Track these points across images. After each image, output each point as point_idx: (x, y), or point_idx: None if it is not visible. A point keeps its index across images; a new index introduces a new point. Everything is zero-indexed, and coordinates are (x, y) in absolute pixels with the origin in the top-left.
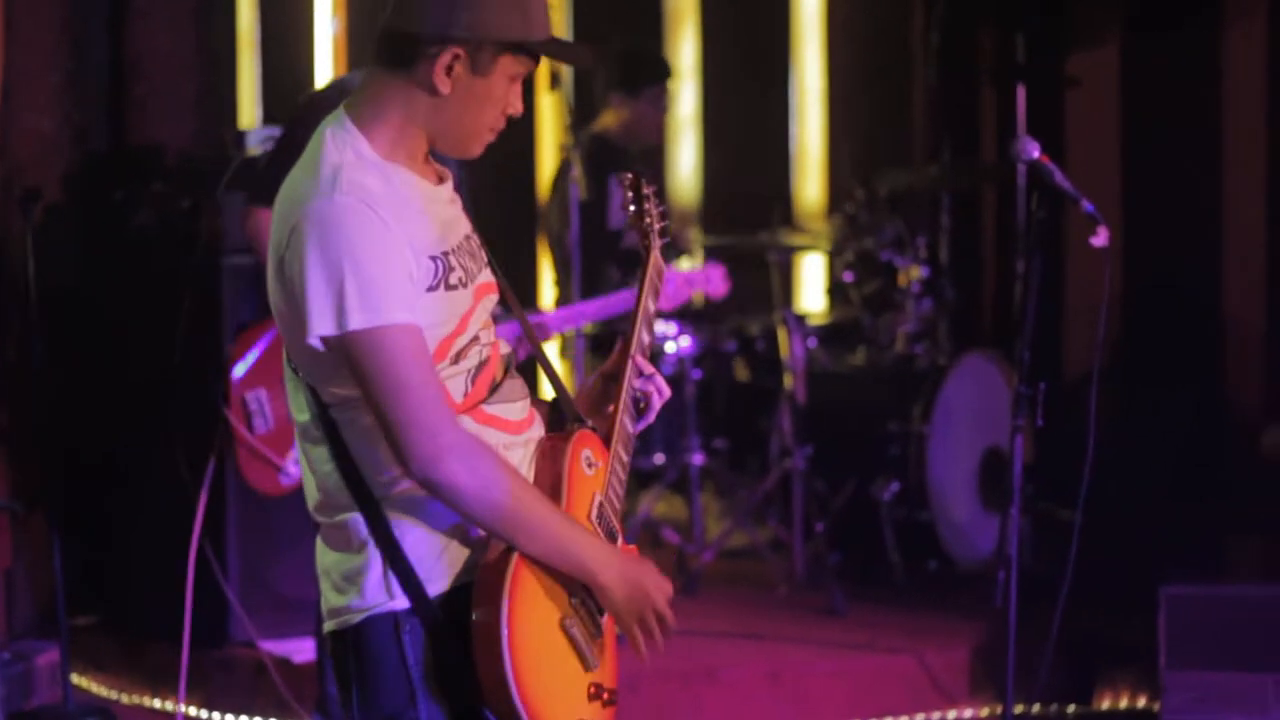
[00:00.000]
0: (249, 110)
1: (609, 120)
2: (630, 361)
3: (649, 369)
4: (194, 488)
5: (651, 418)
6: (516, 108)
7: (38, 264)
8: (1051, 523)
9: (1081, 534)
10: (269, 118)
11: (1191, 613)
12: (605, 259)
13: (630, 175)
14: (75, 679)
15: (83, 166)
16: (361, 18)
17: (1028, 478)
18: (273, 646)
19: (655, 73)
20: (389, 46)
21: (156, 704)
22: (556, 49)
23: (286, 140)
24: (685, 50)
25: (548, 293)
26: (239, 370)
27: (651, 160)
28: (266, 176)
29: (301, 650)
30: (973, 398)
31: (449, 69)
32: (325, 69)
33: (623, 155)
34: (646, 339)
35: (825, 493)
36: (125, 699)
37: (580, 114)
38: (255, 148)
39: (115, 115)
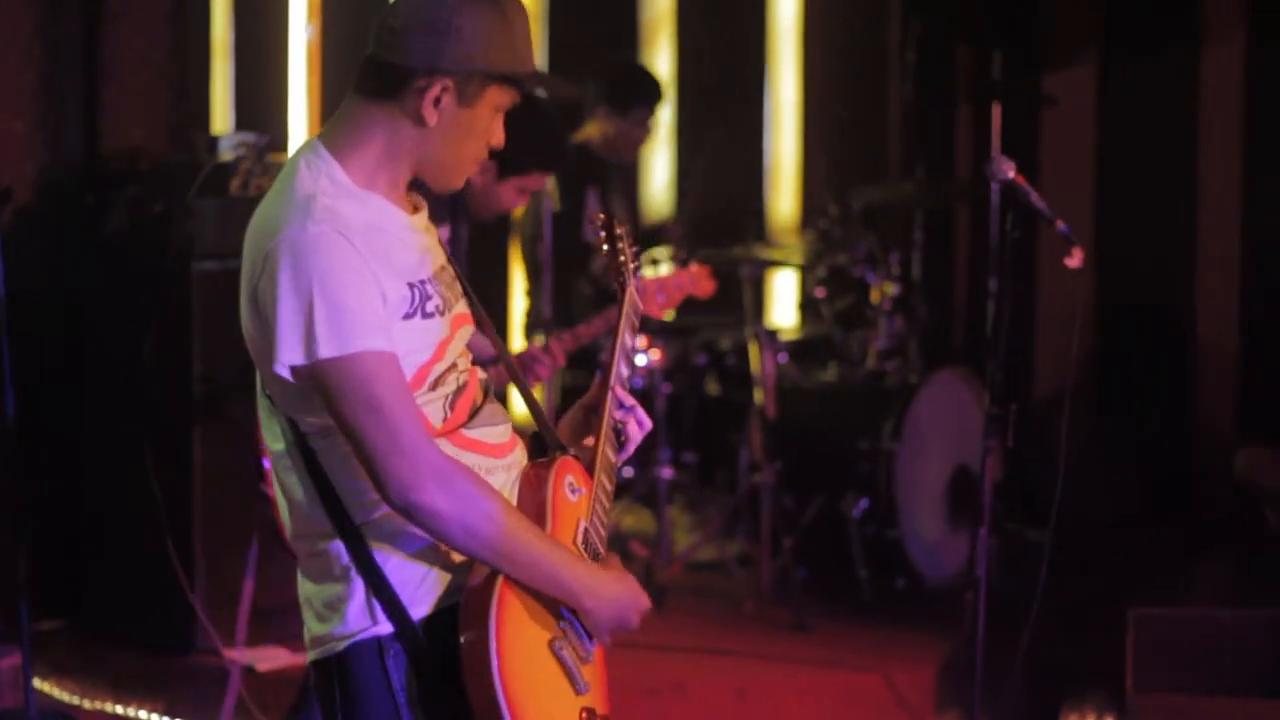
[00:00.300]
0: (222, 116)
1: (593, 131)
2: (610, 394)
3: (629, 401)
4: (163, 503)
5: (631, 449)
6: (499, 138)
7: (6, 266)
8: (1020, 542)
9: (1050, 554)
10: (242, 123)
11: (1159, 635)
12: (578, 270)
13: (603, 216)
14: (37, 684)
15: (55, 169)
16: (336, 25)
17: (996, 497)
18: (237, 655)
19: (648, 95)
20: (374, 77)
21: (119, 710)
22: (543, 82)
23: None
24: (661, 63)
25: (518, 302)
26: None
27: (627, 173)
28: None
29: (266, 658)
30: (943, 415)
31: (437, 101)
32: (299, 75)
33: (601, 167)
34: (626, 372)
35: (794, 508)
36: (87, 704)
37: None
38: (227, 153)
39: (88, 118)
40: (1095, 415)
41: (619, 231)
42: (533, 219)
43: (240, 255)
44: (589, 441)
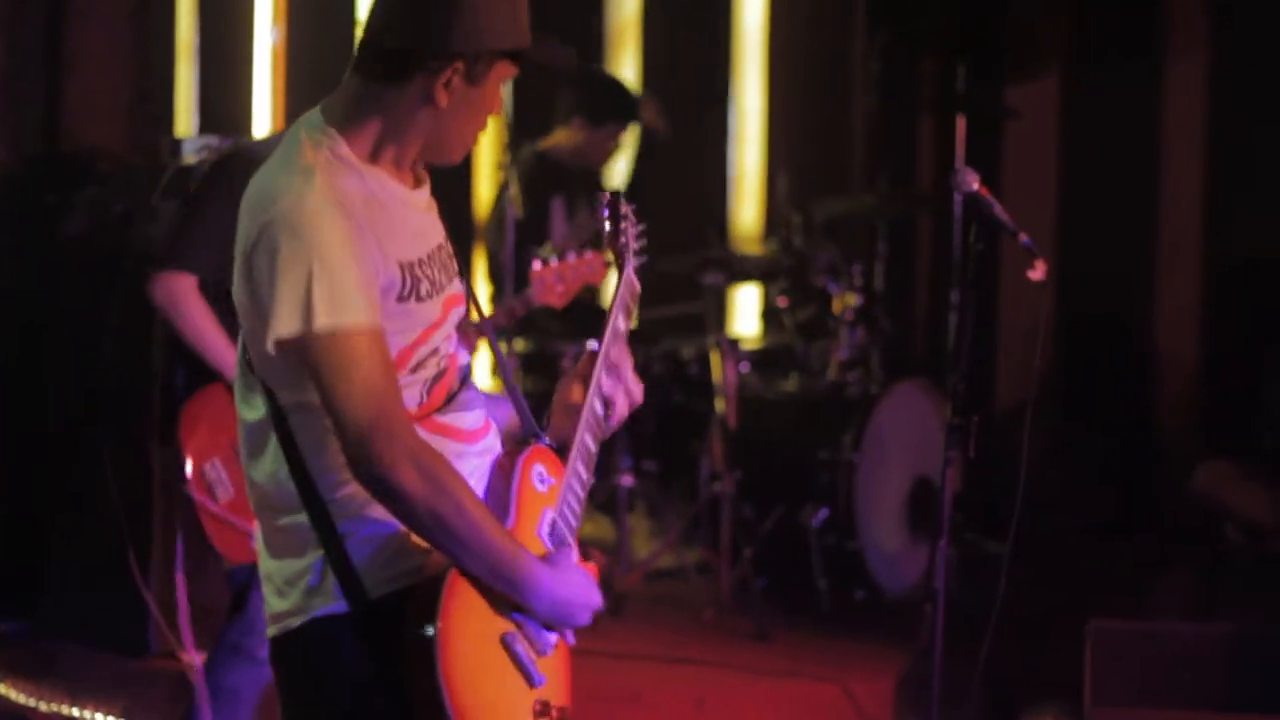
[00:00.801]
0: (185, 117)
1: (561, 139)
2: (595, 381)
3: (624, 374)
4: (121, 504)
5: (615, 422)
6: (499, 108)
7: None
8: (980, 554)
9: (1010, 566)
10: (206, 126)
11: (1118, 648)
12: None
13: (610, 193)
14: None
15: (15, 168)
16: (301, 28)
17: (957, 508)
18: (194, 657)
19: (625, 111)
20: (379, 59)
21: (75, 712)
22: (548, 54)
23: (195, 203)
24: (626, 71)
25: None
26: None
27: (590, 180)
28: (179, 241)
29: None
30: (904, 427)
31: (448, 82)
32: (263, 78)
33: (567, 175)
34: (615, 354)
35: (754, 518)
36: (44, 707)
37: (518, 133)
38: (191, 155)
39: (50, 118)
40: (1057, 427)
41: (624, 210)
42: (496, 228)
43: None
44: (576, 396)
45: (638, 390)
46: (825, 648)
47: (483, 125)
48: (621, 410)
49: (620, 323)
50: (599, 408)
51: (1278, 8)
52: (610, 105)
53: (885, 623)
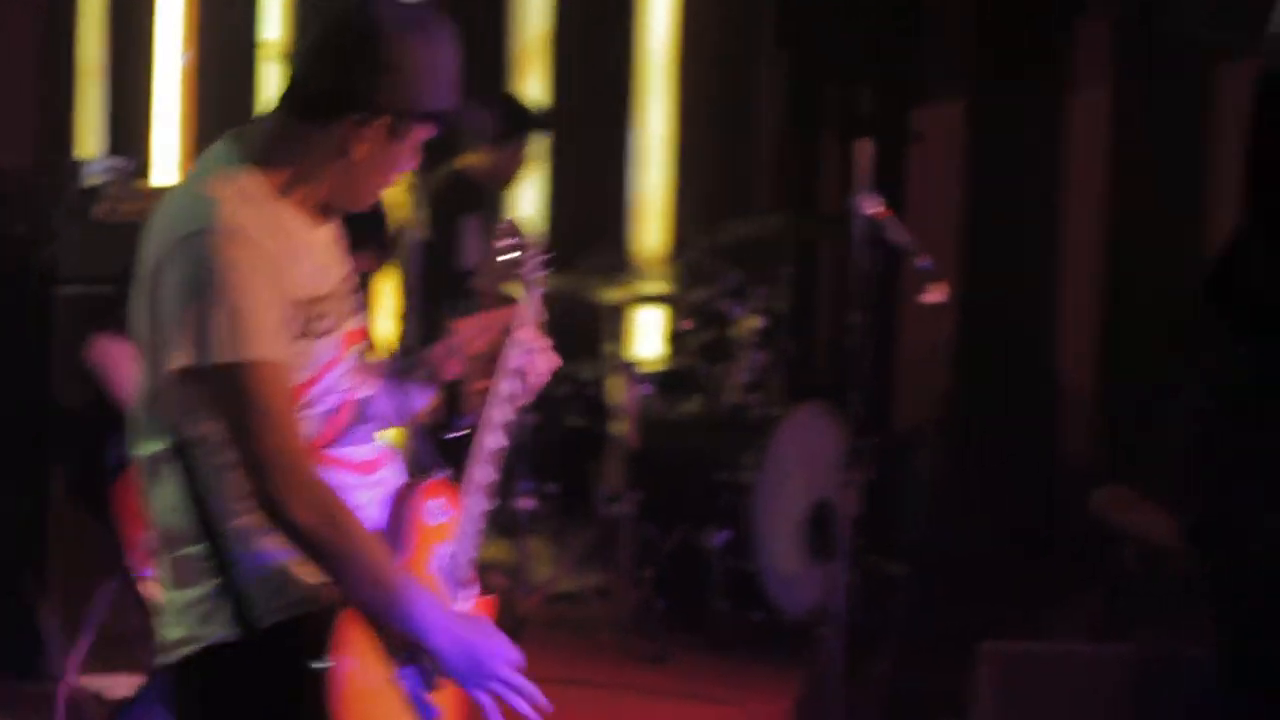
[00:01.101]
0: (91, 139)
1: (474, 160)
2: (491, 403)
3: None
4: (17, 529)
5: (531, 394)
6: (412, 165)
7: None
8: (879, 576)
9: (908, 587)
10: (113, 148)
11: (1011, 669)
12: (449, 298)
13: (507, 221)
14: None
15: None
16: (210, 53)
17: (856, 530)
18: (87, 681)
19: (526, 126)
20: (305, 98)
21: None
22: (469, 117)
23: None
24: (531, 91)
25: (387, 328)
26: None
27: (496, 201)
28: (118, 307)
29: (116, 685)
30: (804, 449)
31: (367, 135)
32: (170, 102)
33: (480, 195)
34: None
35: (654, 540)
36: None
37: (427, 154)
38: (95, 177)
39: None
40: (957, 449)
41: (522, 238)
42: (407, 246)
43: (105, 281)
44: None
45: (547, 362)
46: (724, 670)
47: (392, 180)
48: (537, 384)
49: (516, 360)
50: (516, 369)
51: (1176, 40)
52: (511, 121)
53: (785, 644)
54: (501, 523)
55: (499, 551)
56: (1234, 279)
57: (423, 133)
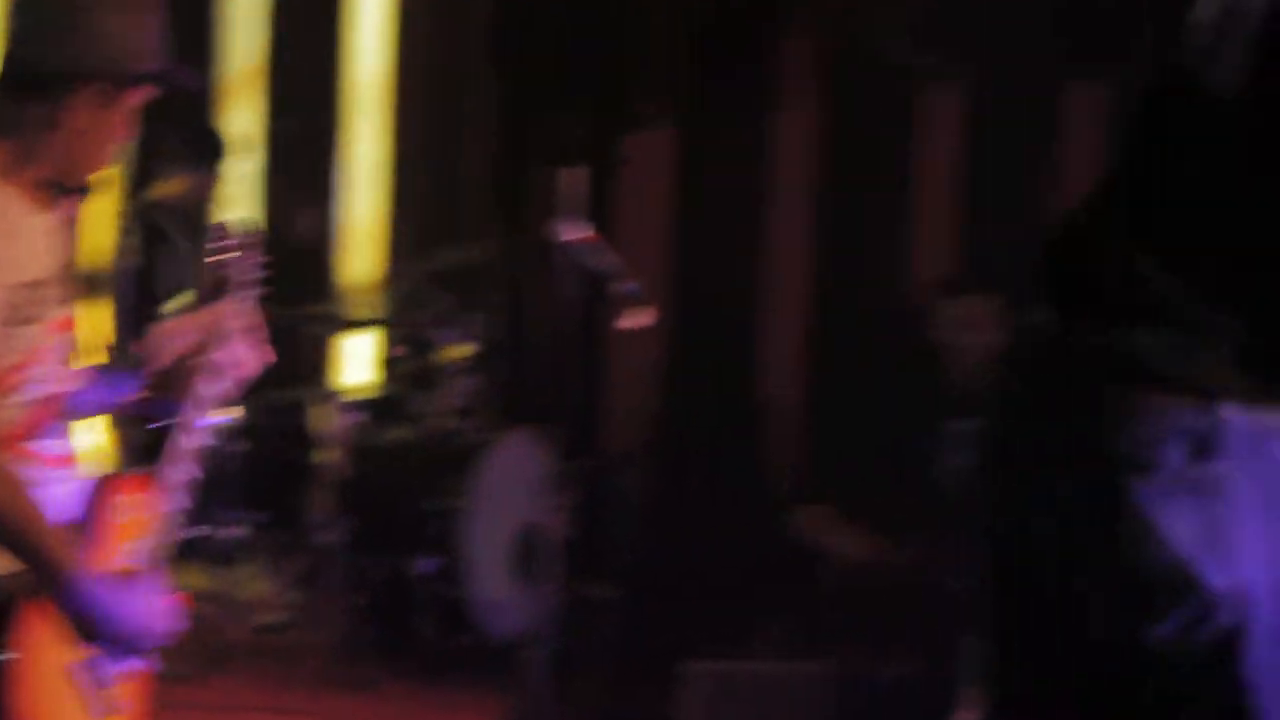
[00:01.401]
0: None
1: (171, 188)
2: (194, 400)
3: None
4: None
5: (235, 389)
6: (132, 133)
7: None
8: (587, 598)
9: (617, 609)
10: None
11: (712, 689)
12: (151, 324)
13: (219, 225)
14: None
15: None
16: None
17: (564, 553)
18: None
19: (215, 151)
20: (18, 78)
21: None
22: (177, 77)
23: None
24: (243, 119)
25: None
26: None
27: (201, 227)
28: None
29: None
30: (513, 474)
31: (77, 106)
32: None
33: (179, 222)
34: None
35: (364, 567)
36: None
37: (134, 182)
38: None
39: None
40: (666, 471)
41: (237, 241)
42: (119, 273)
43: None
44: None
45: (255, 354)
46: (434, 696)
47: (114, 148)
48: (241, 375)
49: (223, 356)
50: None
51: (881, 63)
52: (202, 147)
53: (494, 669)
54: (210, 551)
55: (208, 580)
56: (1085, 259)
57: (135, 97)
